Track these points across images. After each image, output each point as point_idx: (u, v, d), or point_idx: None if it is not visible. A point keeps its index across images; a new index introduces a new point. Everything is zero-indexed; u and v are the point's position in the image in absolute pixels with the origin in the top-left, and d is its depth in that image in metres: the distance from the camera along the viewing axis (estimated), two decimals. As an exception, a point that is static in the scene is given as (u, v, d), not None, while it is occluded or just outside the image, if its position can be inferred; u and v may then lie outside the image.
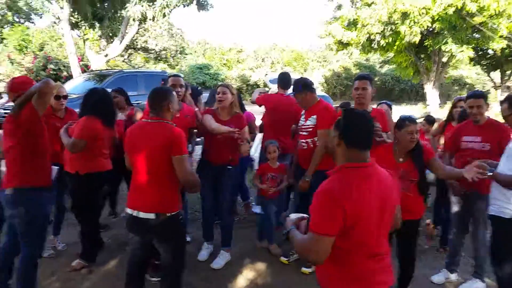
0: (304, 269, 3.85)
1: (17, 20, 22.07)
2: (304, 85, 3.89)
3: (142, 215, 2.64)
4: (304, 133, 3.85)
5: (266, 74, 22.83)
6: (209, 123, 3.78)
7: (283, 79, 4.81)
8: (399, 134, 3.11)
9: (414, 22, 17.44)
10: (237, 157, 3.98)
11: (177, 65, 27.00)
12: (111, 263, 3.96)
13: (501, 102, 3.20)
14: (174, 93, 2.90)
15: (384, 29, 18.67)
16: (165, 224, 2.66)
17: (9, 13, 21.39)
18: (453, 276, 3.81)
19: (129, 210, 2.72)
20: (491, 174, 2.94)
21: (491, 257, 3.22)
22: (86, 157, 3.65)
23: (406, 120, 3.08)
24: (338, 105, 5.94)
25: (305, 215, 2.03)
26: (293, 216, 2.07)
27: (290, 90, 4.87)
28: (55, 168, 3.26)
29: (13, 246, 3.15)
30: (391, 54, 22.72)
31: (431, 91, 21.08)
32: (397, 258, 3.31)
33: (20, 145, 2.92)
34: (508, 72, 25.70)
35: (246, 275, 3.84)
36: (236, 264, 4.02)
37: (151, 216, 2.63)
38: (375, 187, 1.85)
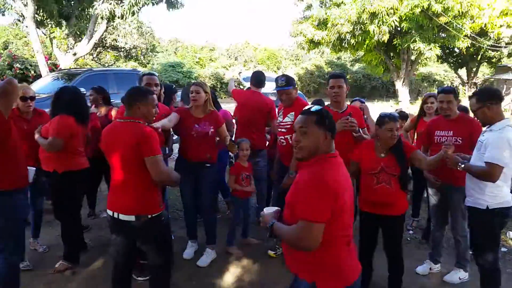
0: (270, 252, 4.06)
1: (-23, 18, 21.17)
2: (293, 82, 3.93)
3: (122, 217, 2.57)
4: (283, 130, 3.85)
5: (240, 72, 22.72)
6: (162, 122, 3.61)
7: (257, 78, 4.75)
8: (379, 131, 3.15)
9: (383, 22, 17.87)
10: (215, 154, 3.93)
11: (148, 63, 26.60)
12: (94, 264, 3.84)
13: (470, 97, 3.28)
14: (153, 94, 2.81)
15: (353, 28, 19.04)
16: (146, 226, 2.58)
17: (-31, 10, 20.47)
18: (437, 267, 3.88)
19: (109, 212, 2.64)
20: (463, 166, 3.02)
21: (471, 247, 3.30)
22: (63, 155, 3.59)
23: (386, 117, 3.13)
24: (311, 103, 5.98)
25: (278, 208, 2.07)
26: (268, 210, 2.07)
27: (264, 89, 4.86)
28: (32, 169, 3.13)
29: None
30: (361, 53, 23.21)
31: (401, 88, 21.64)
32: (385, 253, 3.35)
33: None
34: (474, 69, 26.68)
35: (233, 271, 3.79)
36: (221, 261, 3.96)
37: (131, 218, 2.56)
38: (346, 173, 1.98)
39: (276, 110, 4.41)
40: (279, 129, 3.93)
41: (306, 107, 2.03)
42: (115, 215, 2.60)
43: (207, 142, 3.80)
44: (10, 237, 2.89)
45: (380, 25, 17.93)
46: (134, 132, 2.55)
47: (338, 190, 1.80)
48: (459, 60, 26.33)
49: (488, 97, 3.06)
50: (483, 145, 3.00)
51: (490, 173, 2.87)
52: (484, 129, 3.18)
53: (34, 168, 3.19)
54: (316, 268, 1.89)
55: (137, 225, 2.56)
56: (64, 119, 3.55)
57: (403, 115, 5.65)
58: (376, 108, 16.77)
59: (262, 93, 4.78)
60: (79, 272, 3.68)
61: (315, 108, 1.99)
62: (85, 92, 5.38)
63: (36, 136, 3.62)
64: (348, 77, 30.20)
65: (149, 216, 2.59)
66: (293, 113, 3.77)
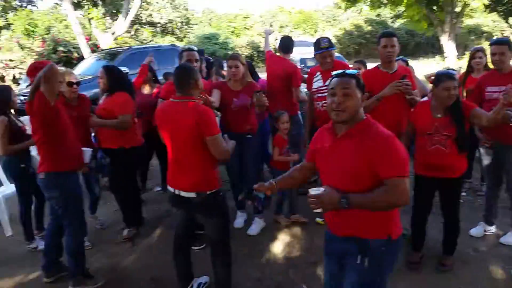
0: (318, 219, 4.04)
1: (19, 4, 21.89)
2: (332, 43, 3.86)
3: (183, 194, 2.66)
4: (326, 94, 3.77)
5: (276, 39, 22.40)
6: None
7: (284, 43, 4.67)
8: (436, 90, 3.01)
9: (425, -28, 16.79)
10: (255, 126, 3.94)
11: (184, 36, 26.67)
12: (152, 237, 4.07)
13: None
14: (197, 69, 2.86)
15: (394, -19, 18.05)
16: (206, 202, 2.67)
17: (11, -2, 21.20)
18: (492, 228, 3.78)
19: (170, 188, 2.74)
20: None
21: None
22: (126, 132, 3.77)
23: (443, 76, 2.99)
24: (354, 62, 5.81)
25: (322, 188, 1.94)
26: (316, 191, 1.90)
27: (302, 55, 4.77)
28: (87, 150, 3.28)
29: (57, 225, 3.26)
30: (402, 8, 22.05)
31: (447, 43, 20.47)
32: (442, 215, 3.31)
33: (39, 133, 2.93)
34: (526, 17, 24.71)
35: (282, 239, 3.88)
36: (271, 229, 4.06)
37: (192, 195, 2.64)
38: None
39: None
40: (319, 94, 3.86)
41: (342, 71, 2.02)
42: (176, 192, 2.69)
43: (247, 114, 3.83)
44: (73, 216, 3.10)
45: (422, -24, 16.89)
46: (192, 112, 2.57)
47: None
48: (510, 8, 24.40)
49: None
50: None
51: None
52: None
53: (90, 149, 3.34)
54: (389, 222, 1.96)
55: (198, 201, 2.64)
56: (124, 96, 3.71)
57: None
58: (421, 67, 16.08)
59: (300, 59, 4.73)
60: (138, 243, 3.91)
61: (351, 71, 2.02)
62: (127, 71, 5.51)
63: (96, 119, 3.78)
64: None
65: (208, 192, 2.65)
66: None
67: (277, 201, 4.22)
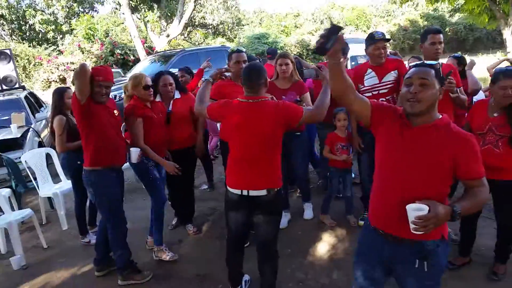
0: (360, 222, 4.01)
1: (82, 10, 23.27)
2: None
3: (252, 193, 2.66)
4: (384, 90, 3.72)
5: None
6: None
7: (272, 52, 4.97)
8: (493, 88, 2.89)
9: (488, -39, 15.86)
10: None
11: (235, 37, 27.04)
12: (198, 234, 4.23)
13: None
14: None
15: (452, -27, 17.20)
16: (274, 199, 2.70)
17: (75, 5, 22.60)
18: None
19: (235, 191, 2.70)
20: None
21: None
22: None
23: (500, 74, 2.86)
24: (409, 58, 5.64)
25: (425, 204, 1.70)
26: (418, 211, 1.69)
27: (354, 52, 4.72)
28: (134, 150, 3.42)
29: None
30: (461, 1, 20.94)
31: (510, 37, 19.19)
32: (496, 219, 3.17)
33: (79, 129, 3.17)
34: None
35: (326, 240, 3.87)
36: (315, 230, 4.06)
37: (263, 193, 2.65)
38: None
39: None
40: (374, 92, 3.77)
41: (421, 62, 1.99)
42: (244, 192, 2.67)
43: None
44: (109, 212, 3.27)
45: (484, -34, 15.97)
46: (274, 110, 2.62)
47: None
48: None
49: None
50: None
51: None
52: None
53: (139, 149, 3.49)
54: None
55: (267, 198, 2.67)
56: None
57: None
58: (479, 63, 15.22)
59: (351, 56, 4.70)
60: (184, 240, 4.09)
61: (430, 62, 1.99)
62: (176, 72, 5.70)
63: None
64: (446, 29, 27.67)
65: (276, 190, 2.70)
66: (396, 70, 3.69)
67: (324, 201, 4.21)
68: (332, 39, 1.82)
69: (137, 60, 14.39)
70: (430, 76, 1.84)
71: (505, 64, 5.39)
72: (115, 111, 3.35)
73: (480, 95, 4.72)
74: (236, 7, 28.50)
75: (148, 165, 3.55)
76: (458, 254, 3.27)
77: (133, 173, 5.13)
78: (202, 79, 4.83)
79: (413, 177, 1.82)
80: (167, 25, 17.05)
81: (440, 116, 1.88)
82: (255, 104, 2.64)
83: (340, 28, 1.84)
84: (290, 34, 28.46)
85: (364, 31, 27.51)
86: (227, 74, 3.79)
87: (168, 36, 16.07)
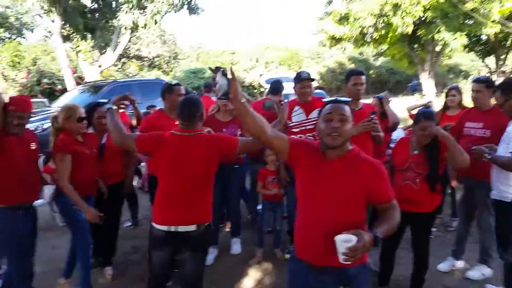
0: (286, 256, 4.00)
1: (8, 36, 22.07)
2: None
3: (181, 228, 2.57)
4: (310, 126, 3.84)
5: (261, 75, 22.82)
6: None
7: (274, 87, 5.02)
8: (414, 128, 3.12)
9: (406, 13, 17.46)
10: (242, 156, 4.00)
11: (171, 71, 26.99)
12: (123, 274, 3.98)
13: (494, 91, 3.20)
14: None
15: (376, 21, 18.68)
16: (203, 235, 2.63)
17: (1, 30, 21.41)
18: (460, 263, 3.81)
19: (162, 227, 2.59)
20: (490, 157, 2.95)
21: (497, 242, 3.21)
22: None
23: (421, 116, 3.09)
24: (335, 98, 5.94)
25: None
26: (351, 240, 1.74)
27: (286, 91, 4.98)
28: (48, 190, 3.22)
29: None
30: (384, 47, 22.74)
31: (426, 81, 21.07)
32: (412, 250, 3.33)
33: None
34: (502, 57, 25.73)
35: (254, 276, 3.84)
36: (242, 266, 4.02)
37: (192, 228, 2.57)
38: None
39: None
40: (302, 128, 3.89)
41: (335, 98, 2.14)
42: (172, 228, 2.57)
43: None
44: (12, 254, 2.99)
45: (404, 16, 17.54)
46: (208, 144, 2.59)
47: None
48: (487, 48, 25.41)
49: None
50: (509, 136, 2.95)
51: None
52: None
53: (53, 187, 3.31)
54: None
55: (196, 234, 2.58)
56: None
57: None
58: (400, 103, 16.46)
59: (284, 94, 4.92)
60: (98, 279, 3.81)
61: (343, 98, 2.12)
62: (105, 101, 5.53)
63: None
64: (371, 72, 29.74)
65: (206, 224, 2.64)
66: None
67: (259, 235, 4.22)
68: (226, 84, 1.91)
69: (64, 90, 13.79)
70: (347, 111, 1.99)
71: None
72: (33, 144, 3.10)
73: (400, 133, 5.10)
74: (173, 41, 28.59)
75: (75, 206, 3.28)
76: (378, 284, 3.40)
77: (48, 209, 4.82)
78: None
79: (335, 208, 1.92)
80: (100, 55, 16.62)
81: (351, 147, 2.02)
82: (190, 137, 2.60)
83: (226, 71, 1.94)
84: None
85: (296, 71, 28.75)
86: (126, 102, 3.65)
87: (100, 66, 15.66)
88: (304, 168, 2.06)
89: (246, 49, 33.47)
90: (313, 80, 3.96)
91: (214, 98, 5.60)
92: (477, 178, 3.48)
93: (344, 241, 1.74)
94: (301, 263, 2.04)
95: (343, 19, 20.78)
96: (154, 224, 2.62)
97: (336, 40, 22.01)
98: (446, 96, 4.63)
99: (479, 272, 3.64)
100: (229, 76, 1.94)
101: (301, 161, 2.07)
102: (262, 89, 11.34)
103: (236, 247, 4.33)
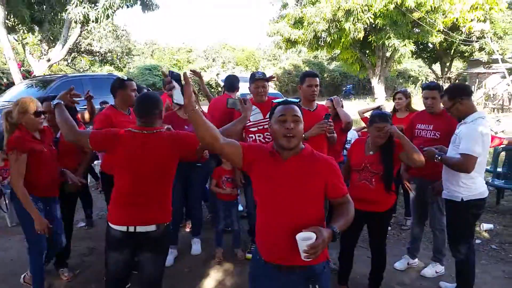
0: (248, 256, 4.05)
1: None
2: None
3: (140, 229, 2.48)
4: (267, 126, 3.85)
5: (218, 74, 22.74)
6: None
7: (230, 82, 4.83)
8: (369, 129, 3.20)
9: (358, 19, 18.08)
10: (205, 154, 3.94)
11: (124, 67, 26.25)
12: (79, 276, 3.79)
13: (442, 96, 3.36)
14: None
15: (329, 26, 19.22)
16: (162, 235, 2.55)
17: None
18: (415, 262, 3.98)
19: (120, 227, 2.49)
20: (440, 158, 3.10)
21: (448, 240, 3.37)
22: None
23: (376, 117, 3.17)
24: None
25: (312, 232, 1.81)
26: (311, 238, 1.77)
27: (243, 90, 4.92)
28: None
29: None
30: (337, 51, 23.42)
31: (377, 85, 21.93)
32: (370, 248, 3.43)
33: None
34: (447, 64, 27.28)
35: (214, 276, 3.80)
36: (203, 266, 3.97)
37: (152, 228, 2.49)
38: None
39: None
40: (259, 127, 3.90)
41: (284, 99, 2.15)
42: (130, 228, 2.48)
43: None
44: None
45: (355, 22, 18.15)
46: (167, 141, 2.52)
47: None
48: (433, 55, 26.91)
49: (459, 93, 3.14)
50: (457, 138, 3.09)
51: (465, 164, 2.96)
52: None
53: None
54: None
55: (155, 234, 2.50)
56: None
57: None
58: (353, 106, 16.99)
59: (241, 94, 4.82)
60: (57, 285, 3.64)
61: (292, 99, 2.15)
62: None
63: None
64: (325, 75, 30.50)
65: (165, 224, 2.57)
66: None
67: (216, 234, 4.19)
68: (180, 90, 1.89)
69: (11, 84, 13.03)
70: (299, 112, 2.03)
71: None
72: None
73: (354, 134, 5.26)
74: (126, 37, 27.81)
75: (36, 207, 3.05)
76: (337, 282, 3.47)
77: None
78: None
79: (294, 207, 1.94)
80: (48, 49, 15.83)
81: (303, 146, 2.07)
82: (149, 135, 2.52)
83: (179, 76, 1.91)
84: (182, 68, 28.64)
85: (253, 71, 28.93)
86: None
87: (49, 60, 14.93)
88: (260, 172, 2.06)
89: (203, 47, 33.19)
90: (268, 80, 3.98)
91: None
92: (428, 178, 3.62)
93: (304, 239, 1.77)
94: (268, 266, 2.02)
95: (298, 23, 21.20)
96: (111, 225, 2.52)
97: (291, 43, 22.40)
98: (393, 99, 4.90)
99: (433, 270, 3.80)
100: (183, 81, 1.88)
101: (256, 165, 2.07)
102: (219, 89, 11.25)
103: (196, 247, 4.28)
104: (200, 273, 3.84)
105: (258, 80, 3.88)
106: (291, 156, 2.00)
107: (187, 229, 4.81)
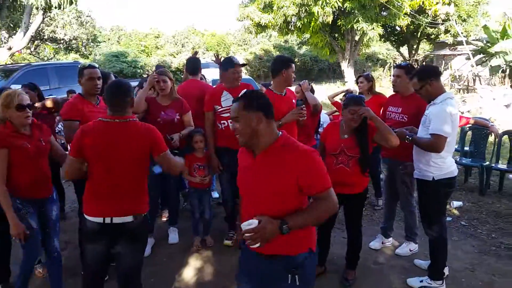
0: (227, 242, 4.11)
1: None
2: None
3: (117, 220, 2.43)
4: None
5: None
6: None
7: (192, 65, 4.73)
8: (343, 112, 3.23)
9: (326, 3, 18.12)
10: (182, 141, 3.90)
11: (90, 54, 25.50)
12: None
13: (411, 78, 3.42)
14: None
15: (299, 10, 19.18)
16: (140, 225, 2.52)
17: None
18: (389, 241, 4.09)
19: (95, 219, 2.44)
20: (410, 138, 3.18)
21: (421, 219, 3.45)
22: None
23: (350, 100, 3.21)
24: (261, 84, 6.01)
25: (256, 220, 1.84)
26: (253, 223, 1.82)
27: (213, 76, 4.88)
28: None
29: None
30: (307, 35, 23.44)
31: (347, 69, 22.15)
32: (346, 230, 3.50)
33: None
34: (415, 47, 27.82)
35: (193, 264, 3.80)
36: (181, 256, 3.95)
37: (129, 219, 2.46)
38: None
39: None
40: (226, 114, 3.86)
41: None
42: (107, 220, 2.43)
43: (174, 129, 3.85)
44: None
45: (324, 6, 18.19)
46: (141, 132, 2.47)
47: None
48: (401, 38, 27.35)
49: (428, 74, 3.19)
50: (427, 119, 3.16)
51: (435, 143, 3.03)
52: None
53: None
54: (311, 235, 2.05)
55: (133, 225, 2.47)
56: None
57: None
58: (323, 90, 17.16)
59: (213, 79, 4.81)
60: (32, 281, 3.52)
61: (242, 92, 2.01)
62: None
63: None
64: (296, 60, 30.52)
65: (143, 215, 2.54)
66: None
67: (193, 223, 4.17)
68: None
69: (-31, 74, 12.43)
70: (237, 111, 1.94)
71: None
72: None
73: (326, 118, 5.33)
74: (91, 23, 26.91)
75: (22, 211, 2.78)
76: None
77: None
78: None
79: (266, 202, 1.91)
80: (9, 37, 15.16)
81: (278, 136, 1.97)
82: (122, 124, 2.46)
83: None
84: (151, 54, 28.02)
85: (224, 57, 28.62)
86: None
87: (10, 48, 14.30)
88: (240, 170, 2.10)
89: (171, 32, 32.53)
90: (244, 65, 3.99)
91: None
92: (398, 159, 3.69)
93: (247, 225, 1.81)
94: (252, 253, 2.01)
95: (267, 7, 21.04)
96: (87, 216, 2.47)
97: (261, 28, 22.25)
98: (356, 83, 4.99)
99: (407, 248, 3.92)
100: None
101: (239, 155, 2.14)
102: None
103: (173, 236, 4.25)
104: (179, 262, 3.82)
105: (237, 65, 3.89)
106: (260, 151, 1.95)
107: (164, 219, 4.76)
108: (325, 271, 3.54)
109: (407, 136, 3.22)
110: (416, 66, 4.66)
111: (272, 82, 3.77)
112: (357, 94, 4.75)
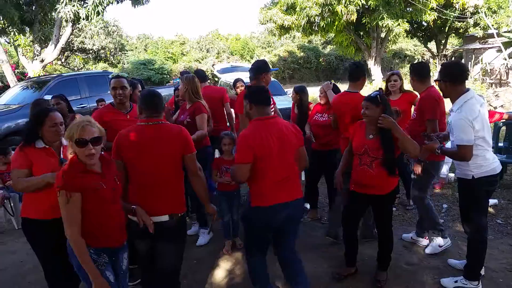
0: None
1: None
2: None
3: (154, 219, 2.55)
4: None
5: (214, 65, 22.59)
6: None
7: (200, 75, 5.06)
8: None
9: (350, 1, 17.93)
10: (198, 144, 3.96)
11: (118, 63, 26.13)
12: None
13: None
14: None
15: (322, 10, 19.05)
16: (177, 225, 2.63)
17: None
18: (422, 240, 4.01)
19: (135, 218, 2.55)
20: (439, 151, 3.11)
21: (461, 218, 3.33)
22: None
23: (366, 97, 3.21)
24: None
25: None
26: None
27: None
28: None
29: None
30: (332, 35, 23.26)
31: (373, 66, 21.80)
32: (377, 231, 3.47)
33: None
34: (443, 42, 27.10)
35: (224, 266, 3.83)
36: (212, 257, 3.99)
37: (165, 218, 2.57)
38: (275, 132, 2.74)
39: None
40: None
41: None
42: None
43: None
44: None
45: (347, 4, 18.01)
46: (177, 133, 2.63)
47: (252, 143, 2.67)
48: (428, 34, 26.70)
49: (443, 74, 3.12)
50: (450, 128, 3.08)
51: (461, 153, 2.95)
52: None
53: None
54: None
55: (170, 225, 2.57)
56: None
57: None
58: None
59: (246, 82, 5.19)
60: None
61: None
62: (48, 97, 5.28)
63: None
64: (320, 60, 30.35)
65: (180, 215, 2.65)
66: None
67: (223, 226, 4.19)
68: None
69: (6, 87, 12.97)
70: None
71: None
72: None
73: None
74: (117, 33, 27.59)
75: (98, 262, 2.28)
76: (345, 265, 3.50)
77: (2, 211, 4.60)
78: None
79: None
80: (41, 49, 15.70)
81: None
82: (161, 126, 2.63)
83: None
84: (177, 61, 28.47)
85: (248, 60, 28.77)
86: None
87: (42, 61, 14.84)
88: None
89: (196, 38, 32.96)
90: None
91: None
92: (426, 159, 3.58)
93: None
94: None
95: (290, 8, 20.99)
96: (130, 216, 2.58)
97: (285, 29, 22.21)
98: (388, 81, 4.64)
99: (435, 245, 3.80)
100: None
101: None
102: (216, 79, 11.22)
103: (202, 238, 4.29)
104: (208, 264, 3.86)
105: (269, 72, 4.03)
106: None
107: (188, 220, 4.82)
108: (356, 272, 3.50)
109: (436, 150, 3.14)
110: (443, 61, 4.57)
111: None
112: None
